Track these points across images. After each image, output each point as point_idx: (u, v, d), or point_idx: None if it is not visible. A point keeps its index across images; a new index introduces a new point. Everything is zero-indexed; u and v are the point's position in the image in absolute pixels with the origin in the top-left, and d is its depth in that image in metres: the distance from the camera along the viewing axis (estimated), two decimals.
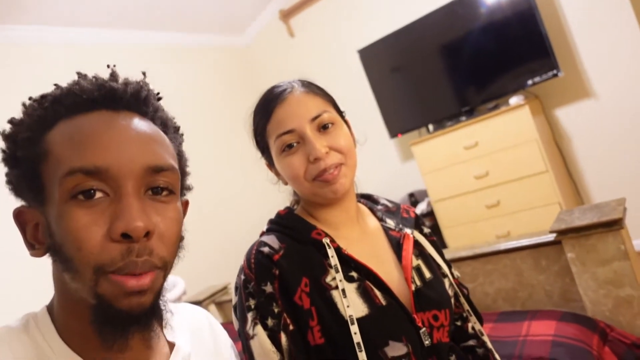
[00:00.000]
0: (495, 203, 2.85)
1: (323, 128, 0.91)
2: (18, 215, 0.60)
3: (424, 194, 3.29)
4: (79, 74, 0.64)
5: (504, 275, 1.62)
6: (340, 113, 0.98)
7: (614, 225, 1.29)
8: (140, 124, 0.61)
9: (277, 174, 0.99)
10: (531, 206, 2.75)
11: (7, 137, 0.60)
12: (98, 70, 0.66)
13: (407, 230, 0.98)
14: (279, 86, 0.96)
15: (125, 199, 0.55)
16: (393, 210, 1.05)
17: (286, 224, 0.95)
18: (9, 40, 2.73)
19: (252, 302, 0.87)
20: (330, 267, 0.88)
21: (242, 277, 0.90)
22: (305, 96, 0.93)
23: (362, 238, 0.97)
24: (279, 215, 0.99)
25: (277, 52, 4.13)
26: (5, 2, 2.55)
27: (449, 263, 1.06)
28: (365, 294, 0.87)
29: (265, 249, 0.89)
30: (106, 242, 0.53)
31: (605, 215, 1.31)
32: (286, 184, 0.98)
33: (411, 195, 3.35)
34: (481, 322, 1.06)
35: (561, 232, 1.39)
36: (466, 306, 1.00)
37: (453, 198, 3.01)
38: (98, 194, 0.55)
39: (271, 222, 0.99)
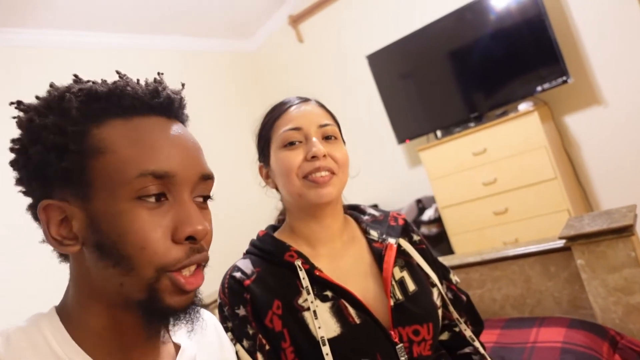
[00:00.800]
0: (503, 210, 2.83)
1: (327, 138, 0.95)
2: (45, 210, 0.58)
3: (431, 200, 3.28)
4: (119, 73, 0.65)
5: (512, 282, 1.60)
6: (342, 139, 1.02)
7: (625, 231, 1.28)
8: (189, 133, 0.65)
9: (266, 177, 1.02)
10: (540, 213, 2.72)
11: (52, 128, 0.57)
12: (107, 74, 0.67)
13: (391, 240, 0.98)
14: (296, 97, 1.02)
15: (188, 204, 0.59)
16: (380, 220, 1.06)
17: (262, 247, 0.98)
18: (15, 43, 2.76)
19: (229, 324, 0.91)
20: (303, 288, 0.90)
21: (219, 300, 0.96)
22: (319, 109, 1.00)
23: (342, 254, 0.98)
24: (257, 236, 1.03)
25: (285, 58, 4.14)
26: (10, 6, 2.58)
27: (444, 270, 1.06)
28: (339, 313, 0.88)
29: (238, 274, 0.94)
30: (169, 243, 0.57)
31: (616, 222, 1.30)
32: (274, 187, 1.01)
33: (419, 201, 3.34)
34: (481, 326, 1.05)
35: (571, 239, 1.38)
36: (455, 314, 1.00)
37: (461, 204, 2.99)
38: (162, 198, 0.58)
39: (251, 243, 1.03)
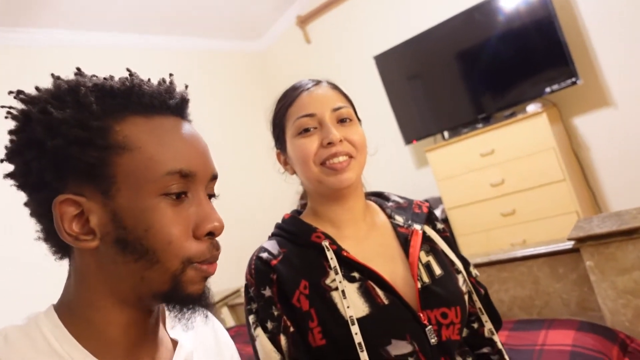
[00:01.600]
0: (511, 211, 2.81)
1: (341, 121, 0.94)
2: (61, 204, 0.57)
3: (438, 201, 3.27)
4: (129, 71, 0.65)
5: (520, 283, 1.59)
6: (358, 118, 1.01)
7: (635, 233, 1.27)
8: (200, 134, 0.67)
9: (285, 163, 1.01)
10: (548, 215, 2.71)
11: (73, 121, 0.56)
12: (116, 73, 0.67)
13: (416, 226, 0.98)
14: (307, 80, 1.01)
15: (205, 202, 0.63)
16: (404, 206, 1.05)
17: (288, 228, 0.98)
18: (17, 43, 2.77)
19: (253, 306, 0.91)
20: (330, 268, 0.89)
21: (245, 282, 0.94)
22: (331, 91, 0.98)
23: (368, 236, 0.97)
24: (283, 219, 1.02)
25: (293, 58, 4.14)
26: (16, 6, 2.60)
27: (466, 260, 1.05)
28: (367, 294, 0.87)
29: (264, 255, 0.93)
30: (190, 238, 0.60)
31: (626, 224, 1.29)
32: (293, 173, 1.00)
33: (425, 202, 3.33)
34: (499, 323, 1.04)
35: (580, 240, 1.37)
36: (478, 304, 0.99)
37: (468, 206, 2.98)
38: (182, 195, 0.60)
39: (276, 226, 1.02)
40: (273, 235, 1.00)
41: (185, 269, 0.59)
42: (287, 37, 4.13)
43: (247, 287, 0.94)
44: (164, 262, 0.58)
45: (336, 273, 0.88)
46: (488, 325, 0.99)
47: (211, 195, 0.67)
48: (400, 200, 1.08)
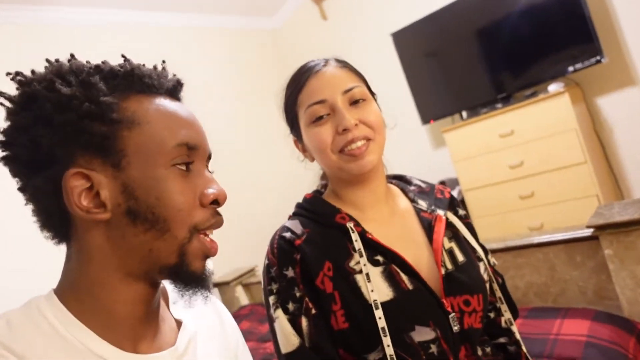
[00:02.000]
0: (530, 194, 2.76)
1: (354, 102, 0.91)
2: (72, 178, 0.58)
3: (455, 182, 3.22)
4: (124, 57, 0.69)
5: (536, 270, 1.56)
6: (372, 93, 0.97)
7: None
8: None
9: (303, 150, 0.99)
10: (567, 198, 2.65)
11: (82, 97, 0.58)
12: (129, 51, 0.72)
13: (440, 212, 0.95)
14: (314, 61, 0.97)
15: (207, 173, 0.67)
16: (426, 191, 1.02)
17: (311, 208, 0.95)
18: (16, 20, 2.73)
19: (274, 287, 0.89)
20: (355, 251, 0.87)
21: (266, 261, 0.92)
22: (340, 70, 0.94)
23: (390, 220, 0.95)
24: (305, 199, 1.00)
25: (308, 35, 4.08)
26: None
27: (485, 248, 1.03)
28: (391, 278, 0.85)
29: (288, 234, 0.91)
30: (197, 206, 0.63)
31: None
32: (312, 160, 0.98)
33: (442, 183, 3.29)
34: (516, 313, 1.02)
35: (599, 227, 1.33)
36: (498, 293, 0.97)
37: (485, 187, 2.93)
38: (190, 166, 0.64)
39: (297, 206, 1.00)
40: (295, 215, 0.98)
41: (192, 239, 0.62)
42: (303, 14, 4.06)
43: (268, 266, 0.91)
44: (173, 230, 0.61)
45: (360, 255, 0.86)
46: (507, 315, 0.97)
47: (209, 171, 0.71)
48: (422, 185, 1.05)
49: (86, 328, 0.59)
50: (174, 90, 0.69)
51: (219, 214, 0.67)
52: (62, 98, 0.58)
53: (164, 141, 0.61)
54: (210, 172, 0.70)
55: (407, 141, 3.60)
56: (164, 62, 0.72)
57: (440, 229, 0.92)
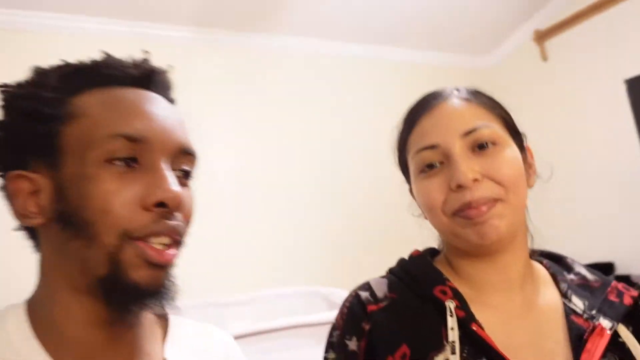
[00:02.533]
0: None
1: (479, 148, 0.69)
2: (14, 181, 0.56)
3: None
4: (105, 52, 0.64)
5: None
6: (514, 133, 0.76)
7: None
8: (173, 107, 0.63)
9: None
10: None
11: (28, 95, 0.57)
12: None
13: (604, 322, 0.66)
14: (435, 92, 0.78)
15: (161, 170, 0.56)
16: (594, 286, 0.74)
17: (408, 270, 0.76)
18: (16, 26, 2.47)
19: (330, 356, 0.74)
20: (448, 342, 0.65)
21: (334, 320, 0.77)
22: (464, 105, 0.74)
23: (520, 314, 0.70)
24: (410, 256, 0.80)
25: (525, 76, 3.80)
26: None
27: None
28: None
29: (364, 294, 0.74)
30: (137, 209, 0.54)
31: None
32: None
33: (626, 278, 2.61)
34: None
35: None
36: None
37: None
38: (133, 163, 0.56)
39: (398, 262, 0.81)
40: (389, 273, 0.79)
41: (123, 247, 0.53)
42: (520, 53, 3.81)
43: (332, 327, 0.76)
44: (99, 235, 0.53)
45: (452, 352, 0.64)
46: None
47: (186, 173, 0.62)
48: (589, 276, 0.76)
49: (39, 346, 0.55)
50: (145, 80, 0.61)
51: (168, 219, 0.55)
52: (10, 98, 0.57)
53: (96, 132, 0.54)
54: (187, 173, 0.61)
55: (630, 205, 3.05)
56: (146, 52, 0.66)
57: (596, 347, 0.64)
